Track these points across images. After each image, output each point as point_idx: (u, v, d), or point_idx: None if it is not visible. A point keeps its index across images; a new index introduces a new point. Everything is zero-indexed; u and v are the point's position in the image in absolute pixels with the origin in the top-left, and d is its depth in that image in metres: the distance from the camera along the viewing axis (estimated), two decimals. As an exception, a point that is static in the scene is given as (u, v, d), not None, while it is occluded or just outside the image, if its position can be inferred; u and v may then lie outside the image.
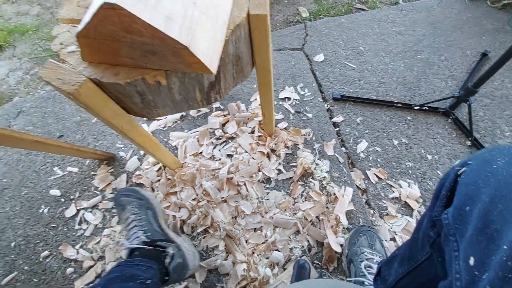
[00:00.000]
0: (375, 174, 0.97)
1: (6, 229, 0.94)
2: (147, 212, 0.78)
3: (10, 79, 1.42)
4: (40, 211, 0.97)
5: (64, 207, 0.97)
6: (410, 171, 0.99)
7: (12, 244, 0.92)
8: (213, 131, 1.08)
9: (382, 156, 1.02)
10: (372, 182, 0.96)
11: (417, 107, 1.10)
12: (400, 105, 1.12)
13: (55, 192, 1.00)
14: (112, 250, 0.87)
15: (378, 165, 1.00)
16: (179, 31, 0.41)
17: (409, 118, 1.10)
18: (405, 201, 0.93)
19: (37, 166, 1.06)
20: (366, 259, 0.71)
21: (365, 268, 0.69)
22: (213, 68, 0.46)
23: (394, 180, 0.97)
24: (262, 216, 0.89)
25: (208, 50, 0.45)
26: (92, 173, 1.03)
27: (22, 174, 1.05)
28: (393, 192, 0.95)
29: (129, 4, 0.36)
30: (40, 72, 0.47)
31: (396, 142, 1.04)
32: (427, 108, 1.10)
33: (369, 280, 0.67)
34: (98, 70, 0.49)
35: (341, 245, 0.82)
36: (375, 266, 0.69)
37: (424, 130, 1.08)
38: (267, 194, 0.94)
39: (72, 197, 0.99)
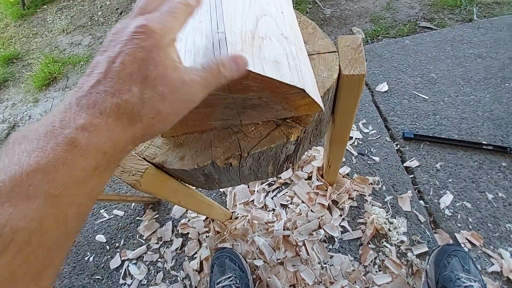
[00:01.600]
0: (467, 238, 0.79)
1: (53, 277, 0.91)
2: None
3: (63, 110, 1.45)
4: (86, 258, 0.93)
5: (109, 256, 0.92)
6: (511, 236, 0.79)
7: (58, 295, 0.88)
8: (265, 175, 0.97)
9: (474, 215, 0.83)
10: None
11: (516, 152, 0.89)
12: (491, 147, 0.92)
13: (101, 238, 0.95)
14: (157, 315, 0.79)
15: (470, 227, 0.81)
16: (291, 74, 0.32)
17: (504, 164, 0.90)
18: (507, 277, 0.73)
19: (84, 207, 1.04)
20: (465, 287, 0.63)
21: None
22: (322, 104, 0.38)
23: (492, 247, 0.78)
24: (327, 288, 0.75)
25: (313, 84, 0.38)
26: (137, 218, 0.97)
27: (70, 215, 1.03)
28: (492, 264, 0.75)
29: None
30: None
31: (490, 196, 0.85)
32: (528, 152, 0.89)
33: None
34: (161, 151, 0.40)
35: None
36: None
37: (526, 180, 0.86)
38: (330, 258, 0.80)
39: (117, 244, 0.93)
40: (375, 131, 1.01)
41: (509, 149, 0.91)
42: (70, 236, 0.19)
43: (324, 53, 0.46)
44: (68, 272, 0.91)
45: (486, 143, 0.93)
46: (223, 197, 0.96)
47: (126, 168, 0.39)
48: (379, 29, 1.37)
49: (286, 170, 0.53)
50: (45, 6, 2.13)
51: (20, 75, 1.69)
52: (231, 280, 0.72)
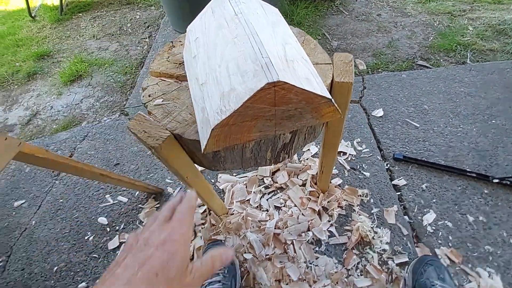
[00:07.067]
0: (446, 255, 0.83)
1: (52, 252, 0.96)
2: (232, 280, 0.76)
3: (83, 104, 1.57)
4: (86, 237, 0.98)
5: (108, 238, 0.97)
6: (490, 258, 0.83)
7: (55, 268, 0.92)
8: (262, 179, 1.04)
9: (455, 234, 0.88)
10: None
11: (497, 180, 0.96)
12: (474, 175, 0.99)
13: (102, 220, 1.01)
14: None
15: (450, 244, 0.86)
16: (319, 87, 0.40)
17: (486, 191, 0.96)
18: (485, 297, 0.77)
19: (91, 191, 1.11)
20: None
21: None
22: (340, 111, 0.44)
23: (470, 266, 0.82)
24: (310, 286, 0.79)
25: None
26: (140, 205, 1.04)
27: (76, 197, 1.10)
28: (470, 281, 0.79)
29: (289, 77, 0.35)
30: (129, 124, 0.49)
31: (471, 219, 0.90)
32: (508, 182, 0.96)
33: None
34: (181, 125, 0.49)
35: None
36: None
37: (505, 208, 0.92)
38: (316, 259, 0.84)
39: (117, 228, 0.99)
40: (368, 149, 1.10)
41: (491, 178, 0.98)
42: None
43: (321, 64, 0.56)
44: (67, 249, 0.96)
45: (470, 170, 1.00)
46: (221, 194, 1.03)
47: (152, 134, 0.48)
48: (379, 62, 1.50)
49: (282, 161, 0.61)
50: (80, 14, 2.35)
51: (48, 70, 1.84)
52: (220, 271, 0.77)
